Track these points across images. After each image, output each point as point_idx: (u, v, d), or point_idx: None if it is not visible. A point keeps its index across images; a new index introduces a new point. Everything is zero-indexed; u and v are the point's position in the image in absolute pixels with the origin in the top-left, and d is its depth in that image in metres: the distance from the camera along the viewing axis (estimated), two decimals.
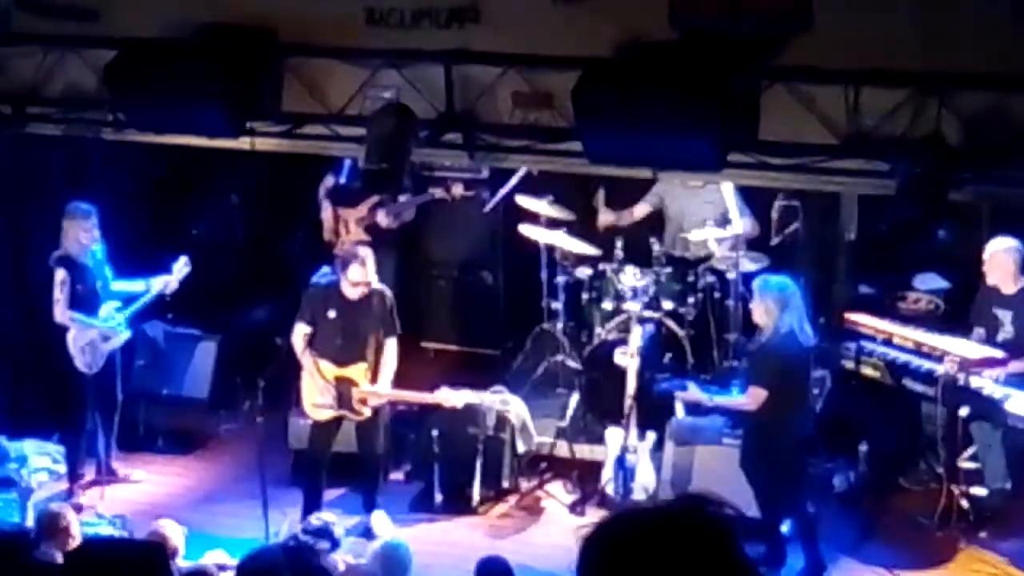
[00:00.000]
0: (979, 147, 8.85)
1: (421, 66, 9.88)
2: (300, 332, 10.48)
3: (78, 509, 9.93)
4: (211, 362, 12.30)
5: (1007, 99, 8.72)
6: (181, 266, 11.38)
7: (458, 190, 12.36)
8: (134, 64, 10.11)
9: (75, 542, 8.50)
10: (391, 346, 10.49)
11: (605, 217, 12.26)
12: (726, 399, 9.97)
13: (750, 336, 11.26)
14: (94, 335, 11.08)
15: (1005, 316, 10.44)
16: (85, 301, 11.09)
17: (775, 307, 9.46)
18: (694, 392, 10.06)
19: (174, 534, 8.66)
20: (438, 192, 12.39)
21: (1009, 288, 10.41)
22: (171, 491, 11.47)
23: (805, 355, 9.73)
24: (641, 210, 12.30)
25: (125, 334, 11.32)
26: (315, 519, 8.91)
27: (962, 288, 11.29)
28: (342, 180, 12.65)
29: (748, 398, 9.55)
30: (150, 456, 11.92)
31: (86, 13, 10.60)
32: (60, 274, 10.99)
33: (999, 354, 10.25)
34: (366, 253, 10.39)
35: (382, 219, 12.47)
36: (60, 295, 10.98)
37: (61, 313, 11.02)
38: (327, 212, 12.68)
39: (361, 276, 10.26)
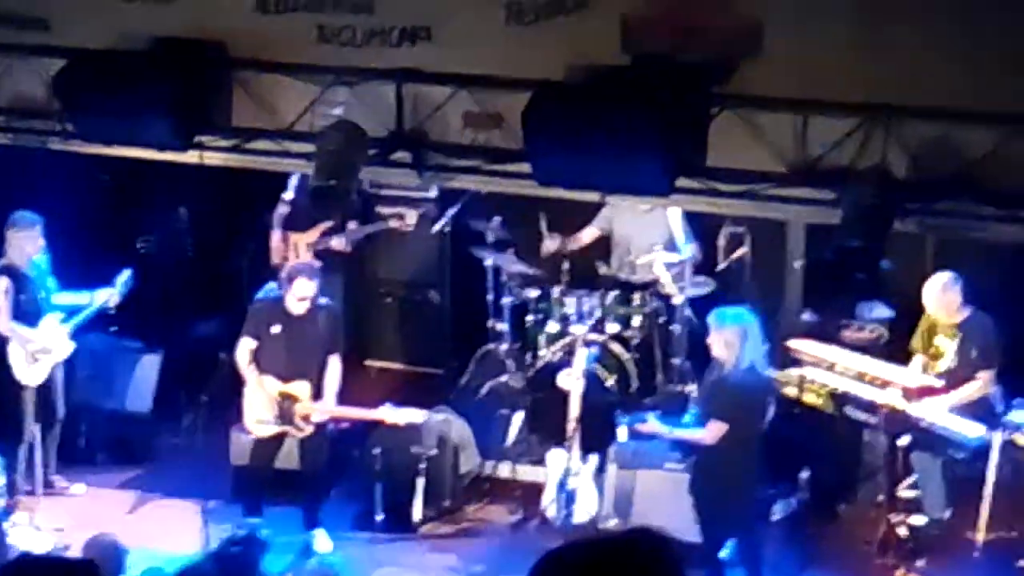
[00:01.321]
0: (924, 178, 8.91)
1: (372, 84, 9.87)
2: (244, 347, 10.44)
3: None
4: (154, 376, 12.23)
5: (953, 131, 8.78)
6: (125, 279, 11.30)
7: (412, 219, 12.32)
8: (83, 75, 10.06)
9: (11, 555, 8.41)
10: (335, 363, 10.46)
11: (549, 244, 12.27)
12: (685, 432, 9.88)
13: (694, 361, 11.32)
14: (35, 347, 11.00)
15: (948, 346, 10.51)
16: (27, 312, 11.01)
17: (736, 340, 9.40)
18: (654, 424, 9.97)
19: (113, 549, 8.58)
20: (393, 221, 12.37)
21: (952, 319, 10.49)
22: (111, 506, 11.38)
23: (764, 388, 9.72)
24: (589, 234, 12.33)
25: (68, 346, 11.23)
26: (239, 528, 8.79)
27: (906, 317, 11.35)
28: (292, 203, 12.56)
29: (708, 432, 9.49)
30: (91, 470, 11.82)
31: (36, 22, 10.55)
32: (2, 284, 10.91)
33: (939, 383, 10.33)
34: (313, 268, 10.36)
35: (337, 243, 12.42)
36: (2, 305, 10.90)
37: (2, 324, 10.93)
38: (276, 237, 12.59)
39: (307, 290, 10.24)
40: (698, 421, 9.66)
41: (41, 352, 11.03)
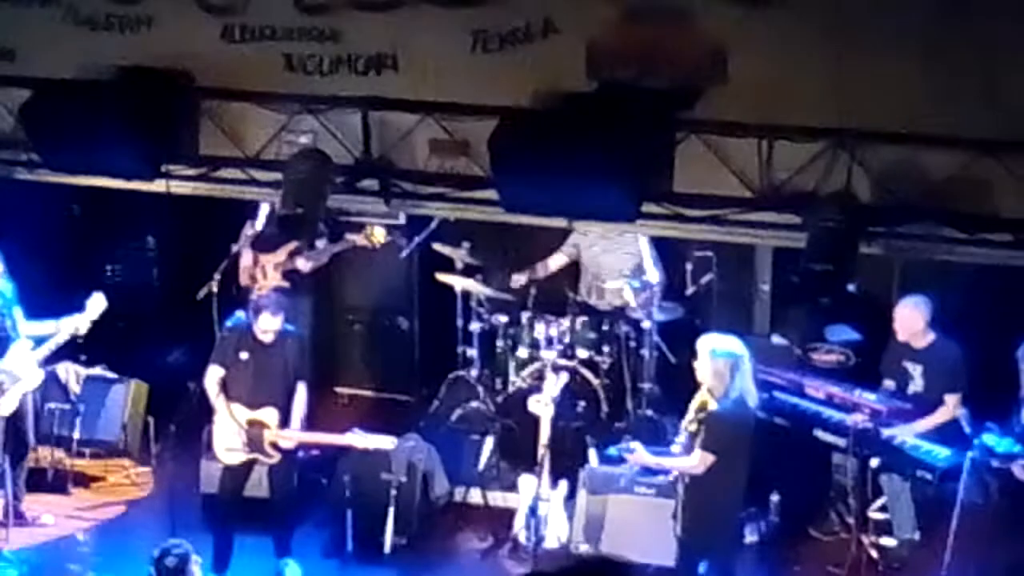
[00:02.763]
0: (889, 202, 8.98)
1: (338, 112, 9.91)
2: (213, 375, 10.42)
3: None
4: (123, 405, 12.19)
5: (917, 156, 8.86)
6: (95, 304, 11.13)
7: (380, 235, 12.28)
8: (50, 104, 10.07)
9: None
10: (301, 390, 10.45)
11: (518, 278, 12.28)
12: (673, 461, 9.76)
13: (664, 386, 11.33)
14: (3, 376, 10.94)
15: (915, 369, 10.55)
16: None
17: (726, 370, 9.20)
18: (641, 454, 9.84)
19: None
20: (359, 239, 12.34)
21: (919, 342, 10.53)
22: (80, 535, 11.33)
23: (753, 419, 9.62)
24: (557, 261, 12.36)
25: (38, 375, 11.18)
26: (170, 557, 8.57)
27: (873, 340, 11.38)
28: (260, 226, 12.54)
29: (697, 462, 9.38)
30: (60, 499, 11.77)
31: (2, 53, 10.55)
32: None
33: (907, 407, 10.37)
34: (278, 300, 10.33)
35: (303, 264, 12.40)
36: None
37: None
38: (246, 258, 12.56)
39: (272, 325, 10.21)
40: (684, 450, 9.54)
41: (10, 381, 10.96)
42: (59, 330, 11.11)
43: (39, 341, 11.14)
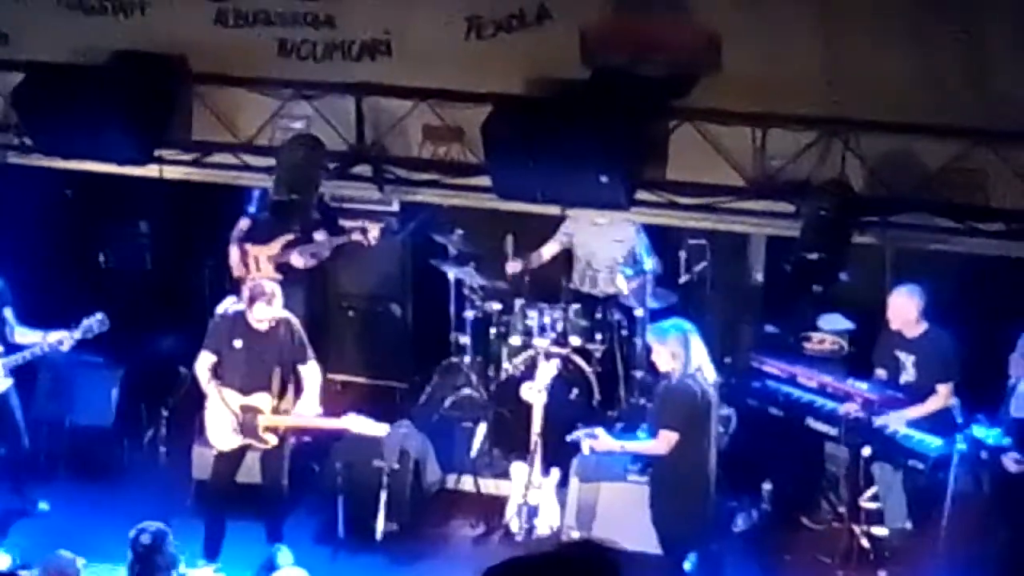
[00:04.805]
0: (883, 191, 8.98)
1: (332, 98, 9.90)
2: (204, 361, 10.40)
3: None
4: (115, 391, 12.17)
5: (911, 145, 8.86)
6: (93, 325, 10.79)
7: (375, 233, 12.29)
8: (42, 88, 10.06)
9: None
10: (310, 371, 10.41)
11: (512, 266, 12.27)
12: (637, 444, 9.89)
13: (656, 375, 11.32)
14: None
15: (907, 359, 10.56)
16: None
17: (680, 349, 9.42)
18: (605, 440, 9.94)
19: (71, 565, 8.55)
20: (355, 234, 12.33)
21: (912, 332, 10.53)
22: (72, 521, 11.32)
23: (711, 392, 9.72)
24: (550, 250, 12.34)
25: (4, 382, 10.85)
26: (145, 534, 8.53)
27: (866, 329, 11.40)
28: (253, 216, 12.51)
29: (659, 442, 9.49)
30: (52, 486, 11.75)
31: None
32: None
33: (899, 396, 10.38)
34: (273, 290, 10.29)
35: (297, 260, 12.37)
36: None
37: None
38: (234, 252, 12.53)
39: (266, 314, 10.18)
40: (650, 434, 9.66)
41: None
42: (42, 341, 10.77)
43: (11, 348, 10.89)
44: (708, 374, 9.52)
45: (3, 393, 10.86)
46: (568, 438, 10.09)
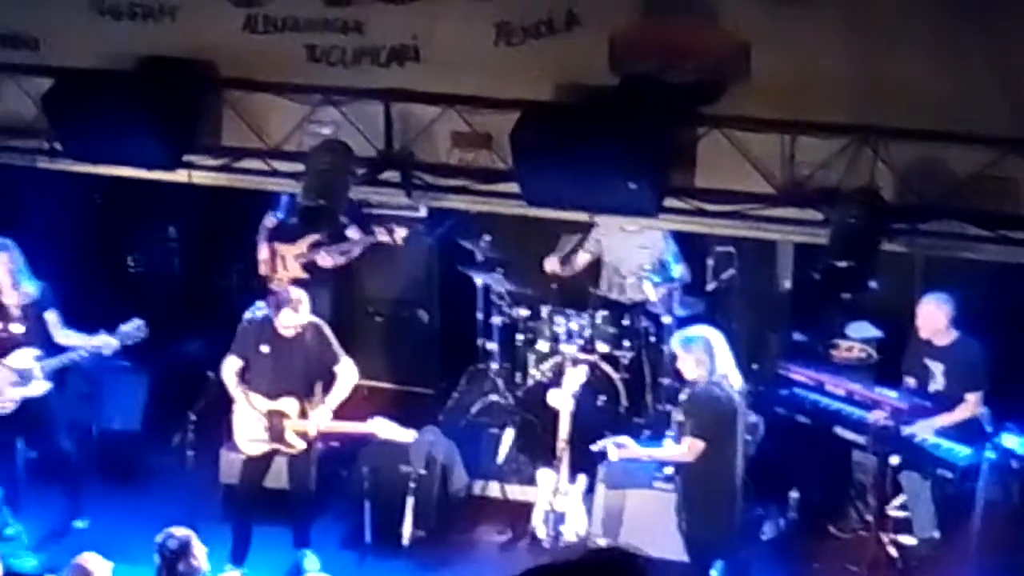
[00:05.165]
0: (912, 199, 8.94)
1: (360, 104, 9.90)
2: (231, 366, 10.42)
3: None
4: (143, 395, 12.20)
5: (940, 152, 8.82)
6: (132, 329, 10.73)
7: (401, 234, 12.30)
8: (72, 94, 10.09)
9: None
10: (344, 368, 10.42)
11: (551, 263, 12.25)
12: (664, 451, 9.89)
13: (683, 382, 11.30)
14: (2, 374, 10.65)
15: (936, 368, 10.51)
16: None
17: (705, 357, 9.41)
18: (633, 448, 9.95)
19: (99, 569, 8.55)
20: (381, 235, 12.34)
21: (941, 340, 10.49)
22: (100, 525, 11.34)
23: (736, 400, 9.71)
24: (583, 260, 12.33)
25: (44, 385, 10.79)
26: (172, 539, 8.52)
27: (894, 337, 11.36)
28: (280, 216, 12.56)
29: (687, 450, 9.48)
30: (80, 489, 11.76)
31: (26, 41, 10.56)
32: None
33: (928, 405, 10.34)
34: (299, 296, 10.28)
35: (325, 260, 12.40)
36: None
37: None
38: (263, 250, 12.58)
39: (293, 321, 10.20)
40: (677, 441, 9.64)
41: (5, 383, 10.64)
42: (85, 344, 10.71)
43: (53, 351, 10.81)
44: (734, 381, 9.51)
45: (42, 396, 10.83)
46: (594, 447, 10.08)
